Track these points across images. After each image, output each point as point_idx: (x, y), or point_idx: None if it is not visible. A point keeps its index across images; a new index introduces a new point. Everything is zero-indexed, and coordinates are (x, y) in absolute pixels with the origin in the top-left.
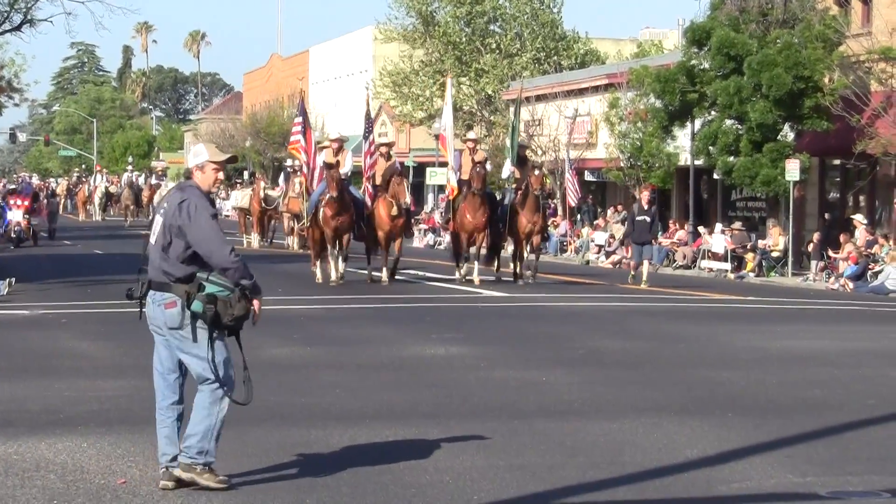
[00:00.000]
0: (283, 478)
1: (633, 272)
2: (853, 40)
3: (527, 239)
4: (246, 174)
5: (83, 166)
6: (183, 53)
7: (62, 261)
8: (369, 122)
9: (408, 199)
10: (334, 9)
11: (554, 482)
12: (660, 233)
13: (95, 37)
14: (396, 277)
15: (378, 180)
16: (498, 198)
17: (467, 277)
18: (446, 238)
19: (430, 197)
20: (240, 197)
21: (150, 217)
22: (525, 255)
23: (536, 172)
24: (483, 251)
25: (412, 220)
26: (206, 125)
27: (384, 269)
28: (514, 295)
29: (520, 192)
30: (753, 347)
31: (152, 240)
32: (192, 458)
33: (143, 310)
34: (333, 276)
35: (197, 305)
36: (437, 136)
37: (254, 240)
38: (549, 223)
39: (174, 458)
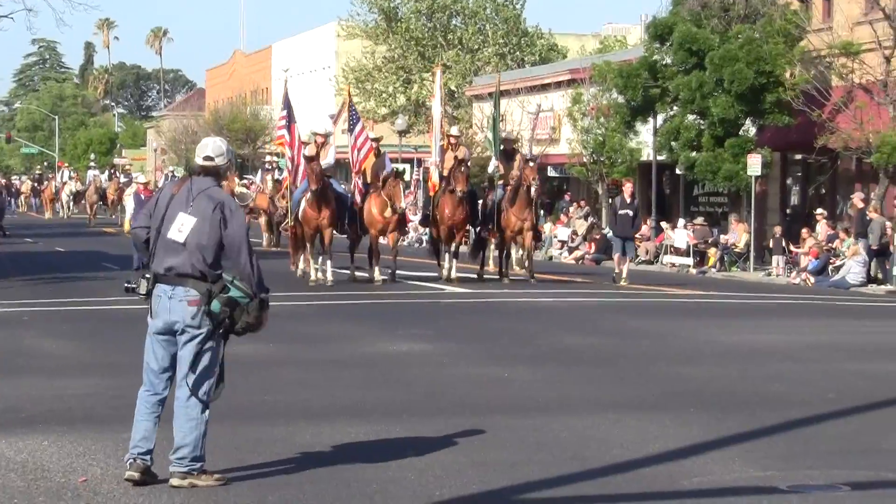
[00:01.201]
0: (247, 476)
1: (616, 269)
2: (814, 35)
3: (515, 237)
4: None
5: (45, 163)
6: (145, 50)
7: (23, 259)
8: (353, 116)
9: (403, 203)
10: (297, 5)
11: (517, 478)
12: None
13: (57, 33)
14: (358, 274)
15: (369, 177)
16: (496, 195)
17: (448, 276)
18: (411, 234)
19: None
20: None
21: (159, 212)
22: (514, 254)
23: (532, 164)
24: (463, 248)
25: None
26: (169, 122)
27: (376, 269)
28: (479, 291)
29: (508, 188)
30: (715, 342)
31: (178, 237)
32: (188, 466)
33: (152, 306)
34: (313, 274)
35: (215, 305)
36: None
37: None
38: (592, 223)
39: (146, 452)
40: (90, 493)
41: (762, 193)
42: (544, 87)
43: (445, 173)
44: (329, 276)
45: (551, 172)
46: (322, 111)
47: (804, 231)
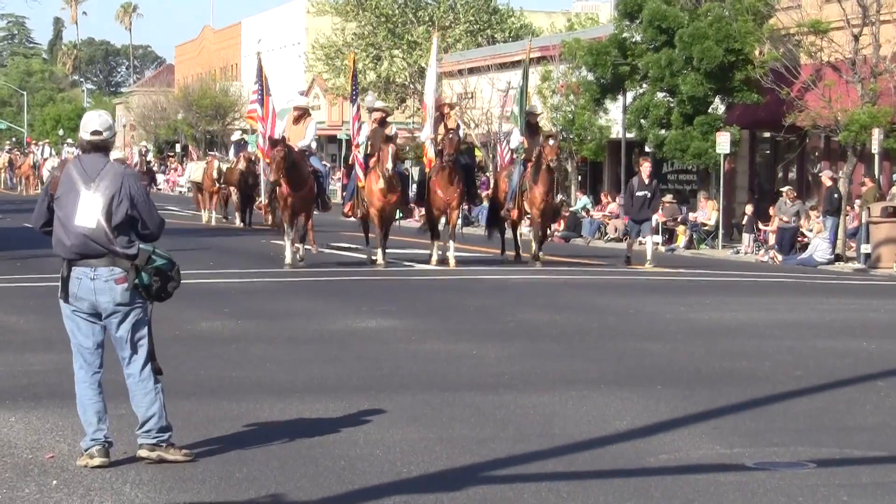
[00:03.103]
0: (213, 451)
1: (628, 252)
2: (783, 13)
3: (539, 216)
4: (178, 147)
5: (13, 139)
6: (114, 26)
7: None
8: (355, 86)
9: (389, 165)
10: None
11: (484, 454)
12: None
13: (25, 9)
14: (324, 250)
15: (370, 147)
16: (517, 172)
17: (440, 255)
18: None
19: None
20: (193, 170)
21: (50, 195)
22: (539, 234)
23: (551, 142)
24: (460, 228)
25: (409, 199)
26: (138, 98)
27: (379, 251)
28: (445, 268)
29: (531, 165)
30: (682, 319)
31: (87, 222)
32: (156, 437)
33: (70, 290)
34: (289, 257)
35: (146, 278)
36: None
37: (205, 215)
38: (561, 200)
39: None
40: (57, 470)
41: (731, 171)
42: (514, 65)
43: (440, 147)
44: (290, 259)
45: None
46: (291, 88)
47: (771, 209)
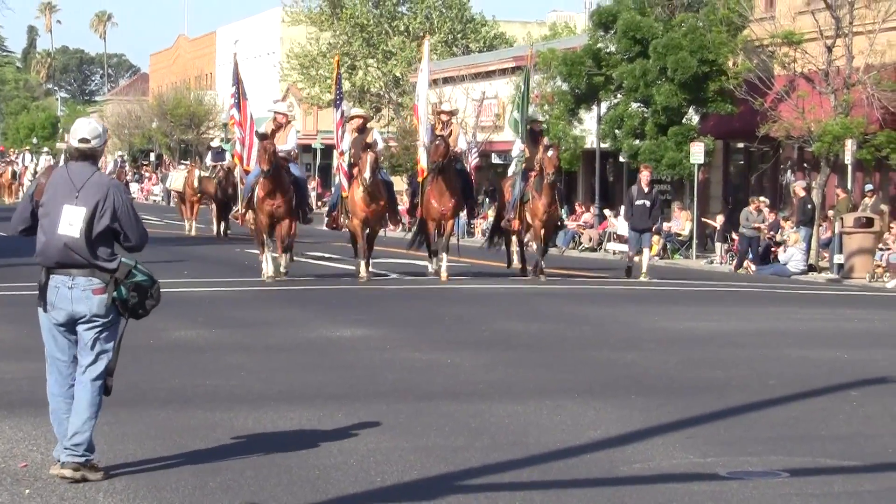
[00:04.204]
0: (187, 461)
1: (629, 262)
2: (757, 24)
3: (542, 228)
4: (152, 156)
5: None
6: (89, 34)
7: None
8: (339, 90)
9: (367, 174)
10: None
11: (458, 464)
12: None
13: None
14: (300, 259)
15: (353, 156)
16: (519, 181)
17: (439, 273)
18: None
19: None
20: (174, 179)
21: (35, 203)
22: (541, 246)
23: (550, 154)
24: (452, 240)
25: (397, 207)
26: (113, 106)
27: (362, 263)
28: (420, 277)
29: (533, 175)
30: (657, 329)
31: (70, 231)
32: (84, 455)
33: (48, 299)
34: (270, 270)
35: (123, 292)
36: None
37: (187, 225)
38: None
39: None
40: (30, 479)
41: (705, 181)
42: (489, 75)
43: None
44: (282, 271)
45: (495, 159)
46: (266, 97)
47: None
